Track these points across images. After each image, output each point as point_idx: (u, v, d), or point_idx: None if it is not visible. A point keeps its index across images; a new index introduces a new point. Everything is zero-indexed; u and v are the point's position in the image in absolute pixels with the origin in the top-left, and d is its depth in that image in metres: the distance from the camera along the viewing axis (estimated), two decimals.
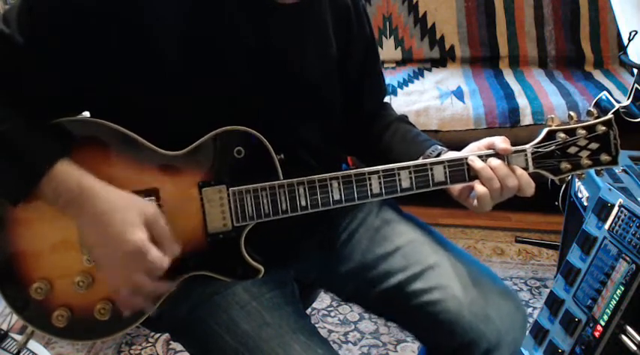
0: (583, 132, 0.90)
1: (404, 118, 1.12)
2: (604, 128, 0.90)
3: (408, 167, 0.90)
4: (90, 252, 0.85)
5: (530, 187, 0.89)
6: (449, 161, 0.90)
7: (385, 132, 1.08)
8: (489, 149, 0.91)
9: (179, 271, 0.88)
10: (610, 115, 0.91)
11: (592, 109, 0.91)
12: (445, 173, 0.90)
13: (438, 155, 0.96)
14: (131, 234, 0.78)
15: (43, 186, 0.79)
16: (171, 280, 0.87)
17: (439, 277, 0.99)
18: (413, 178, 0.90)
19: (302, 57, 0.96)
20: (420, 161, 0.91)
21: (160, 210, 0.86)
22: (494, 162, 0.89)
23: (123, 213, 0.79)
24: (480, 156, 0.90)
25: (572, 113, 0.91)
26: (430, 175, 0.90)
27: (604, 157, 0.91)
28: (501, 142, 0.90)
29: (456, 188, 0.93)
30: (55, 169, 0.79)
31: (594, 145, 0.91)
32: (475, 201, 0.90)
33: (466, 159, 0.90)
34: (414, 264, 1.00)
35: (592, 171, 0.93)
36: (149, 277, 0.81)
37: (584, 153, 0.91)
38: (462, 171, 0.90)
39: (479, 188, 0.89)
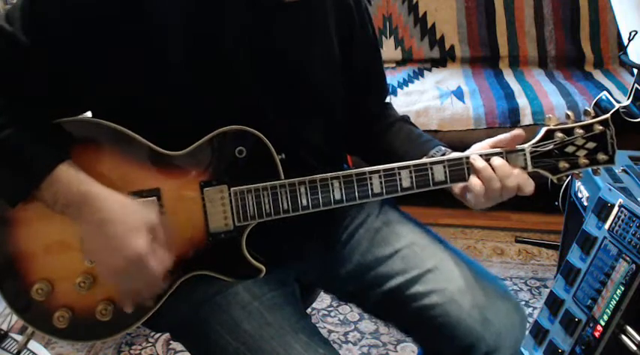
0: (581, 131, 0.90)
1: (406, 119, 1.13)
2: (601, 127, 0.90)
3: (408, 166, 0.90)
4: (91, 257, 0.85)
5: (529, 185, 0.89)
6: (449, 160, 0.90)
7: (388, 132, 1.08)
8: (495, 147, 0.91)
9: (181, 271, 0.88)
10: (607, 115, 0.91)
11: (589, 109, 0.91)
12: (445, 172, 0.90)
13: (442, 156, 0.95)
14: (134, 239, 0.78)
15: (42, 190, 0.79)
16: (172, 281, 0.88)
17: (438, 280, 0.98)
18: (413, 178, 0.90)
19: (304, 56, 0.96)
20: (420, 160, 0.91)
21: (162, 210, 0.86)
22: (497, 161, 0.89)
23: (125, 219, 0.79)
24: (482, 156, 0.90)
25: (569, 112, 0.92)
26: (430, 175, 0.90)
27: (601, 156, 0.91)
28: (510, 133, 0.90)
29: (457, 186, 0.93)
30: (55, 173, 0.79)
31: (591, 144, 0.91)
32: (468, 195, 0.91)
33: (467, 158, 0.90)
34: (413, 267, 1.00)
35: (591, 171, 0.94)
36: (147, 282, 0.82)
37: (582, 153, 0.91)
38: (461, 171, 0.90)
39: (472, 180, 0.89)
